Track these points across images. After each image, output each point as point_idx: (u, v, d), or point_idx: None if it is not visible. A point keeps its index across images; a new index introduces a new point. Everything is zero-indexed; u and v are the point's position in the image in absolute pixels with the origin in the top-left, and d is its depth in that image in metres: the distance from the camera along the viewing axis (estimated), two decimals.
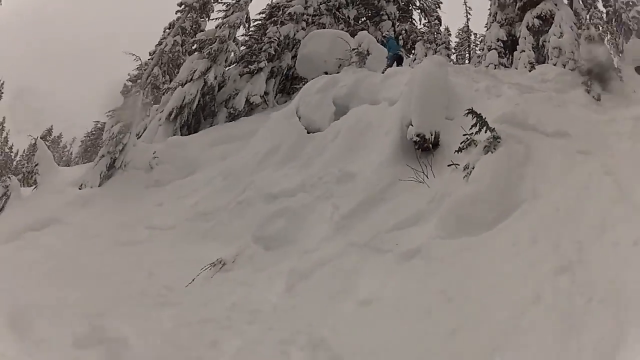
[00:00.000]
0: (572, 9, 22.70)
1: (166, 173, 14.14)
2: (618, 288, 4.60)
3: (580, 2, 23.67)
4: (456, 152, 8.34)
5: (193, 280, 8.05)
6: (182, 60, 25.10)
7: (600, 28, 22.92)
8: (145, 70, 24.59)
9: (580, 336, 4.28)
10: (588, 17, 23.57)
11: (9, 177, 14.16)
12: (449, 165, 8.34)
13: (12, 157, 44.37)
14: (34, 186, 14.69)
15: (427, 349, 4.99)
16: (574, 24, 21.18)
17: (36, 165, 14.85)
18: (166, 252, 9.74)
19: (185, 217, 11.11)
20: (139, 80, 26.09)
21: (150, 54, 26.70)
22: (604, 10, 24.31)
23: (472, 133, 8.09)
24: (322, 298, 6.51)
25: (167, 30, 25.81)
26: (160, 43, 25.74)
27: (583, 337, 4.26)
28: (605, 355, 3.99)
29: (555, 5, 22.62)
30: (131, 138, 14.69)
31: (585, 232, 5.68)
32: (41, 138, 40.81)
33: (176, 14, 25.21)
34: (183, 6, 24.71)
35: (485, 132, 7.89)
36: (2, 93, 40.51)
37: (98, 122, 39.39)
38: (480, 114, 7.99)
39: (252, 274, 7.94)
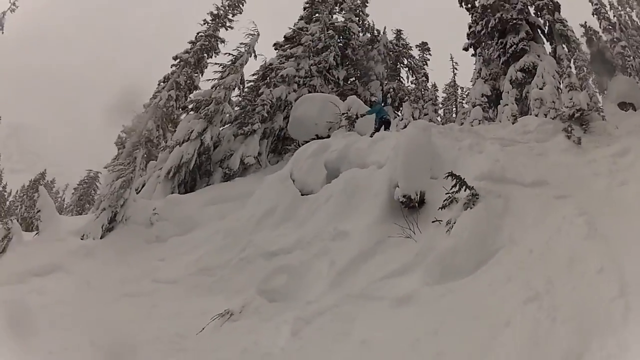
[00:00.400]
0: (555, 56, 24.37)
1: (166, 229, 15.24)
2: (580, 309, 5.89)
3: (564, 47, 25.15)
4: (440, 209, 9.69)
5: (203, 329, 9.02)
6: (175, 115, 26.36)
7: (585, 69, 24.31)
8: (139, 123, 25.78)
9: (541, 352, 5.58)
10: (572, 60, 24.81)
11: (11, 220, 14.68)
12: (433, 222, 9.66)
13: (6, 197, 45.18)
14: (36, 232, 15.35)
15: None
16: (556, 72, 22.67)
17: (38, 211, 15.48)
18: (173, 304, 10.60)
19: (188, 272, 12.10)
20: (133, 132, 27.30)
21: (144, 107, 27.87)
22: (588, 52, 25.91)
23: (453, 192, 9.50)
24: (326, 340, 7.56)
25: (162, 84, 27.03)
26: (154, 96, 26.86)
27: (548, 348, 5.56)
28: None
29: (538, 56, 24.41)
30: (131, 193, 15.84)
31: (554, 268, 7.00)
32: (34, 182, 42.18)
33: (171, 67, 26.59)
34: (178, 60, 26.15)
35: (465, 190, 9.31)
36: None
37: (91, 170, 40.75)
38: (459, 175, 9.44)
39: (258, 323, 8.89)
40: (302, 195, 13.05)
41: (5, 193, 45.54)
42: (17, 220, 14.87)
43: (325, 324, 8.00)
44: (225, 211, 15.44)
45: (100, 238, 15.09)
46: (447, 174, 9.59)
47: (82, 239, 14.92)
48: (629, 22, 26.38)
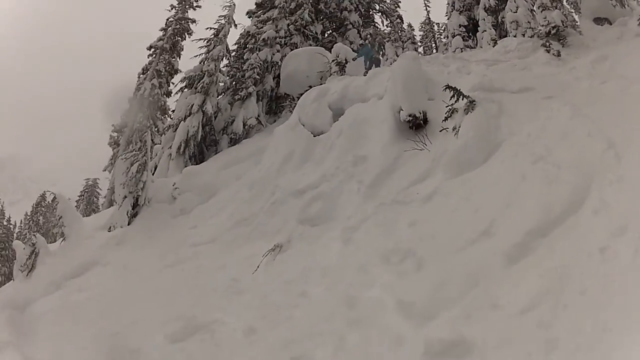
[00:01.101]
0: None
1: (189, 200, 15.96)
2: (579, 160, 7.41)
3: None
4: (443, 121, 10.95)
5: (258, 267, 9.79)
6: (162, 103, 27.39)
7: None
8: (129, 117, 26.75)
9: (557, 186, 7.16)
10: None
11: (34, 235, 15.12)
12: (440, 131, 10.99)
13: (12, 230, 45.40)
14: (62, 239, 15.64)
15: (463, 221, 7.85)
16: None
17: (60, 218, 15.77)
18: (218, 259, 11.17)
19: (224, 228, 12.78)
20: (124, 129, 28.27)
21: (129, 101, 28.77)
22: None
23: (453, 103, 10.71)
24: (376, 237, 8.79)
25: (142, 76, 27.98)
26: (138, 89, 27.83)
27: (559, 187, 7.11)
28: (577, 199, 6.71)
29: None
30: (148, 175, 16.58)
31: (550, 140, 8.51)
32: (36, 206, 42.86)
33: (148, 58, 27.60)
34: (153, 49, 27.16)
35: (462, 99, 10.54)
36: None
37: (88, 179, 41.53)
38: (455, 87, 10.67)
39: (309, 246, 9.91)
40: (314, 137, 14.00)
41: (10, 226, 45.72)
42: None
43: (370, 228, 9.19)
44: (240, 171, 16.27)
45: (128, 225, 15.64)
46: (445, 87, 10.76)
47: (109, 231, 15.47)
48: None
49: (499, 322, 5.55)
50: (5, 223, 45.83)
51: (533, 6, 20.94)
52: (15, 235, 44.20)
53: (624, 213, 5.68)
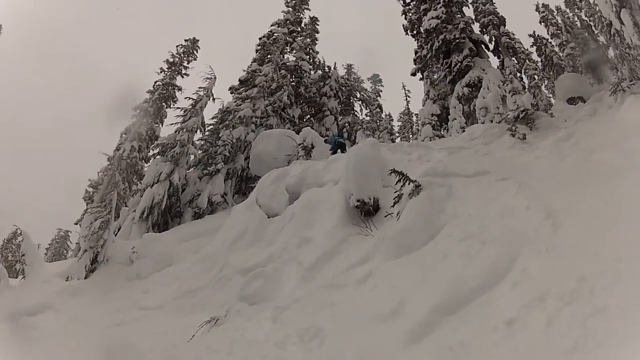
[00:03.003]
0: (503, 67, 25.14)
1: (145, 266, 16.39)
2: (510, 234, 7.76)
3: (514, 59, 26.30)
4: (391, 207, 11.22)
5: (193, 336, 10.21)
6: (139, 167, 27.91)
7: (536, 77, 25.48)
8: (106, 175, 27.21)
9: (475, 262, 7.48)
10: (523, 71, 26.07)
11: None
12: (385, 216, 11.35)
13: None
14: (22, 276, 16.37)
15: (378, 301, 8.14)
16: (501, 81, 23.16)
17: (23, 255, 16.60)
18: (161, 325, 11.61)
19: (172, 297, 13.25)
20: (99, 186, 28.69)
21: (108, 159, 29.27)
22: (539, 60, 27.64)
23: (400, 188, 10.95)
24: (303, 317, 9.04)
25: (124, 136, 28.56)
26: (118, 148, 28.35)
27: (478, 262, 7.45)
28: (497, 274, 6.94)
29: (483, 70, 25.66)
30: (110, 234, 17.10)
31: (488, 218, 8.84)
32: (7, 242, 42.27)
33: (132, 118, 28.17)
34: (138, 110, 27.76)
35: (409, 184, 10.80)
36: None
37: (61, 229, 41.48)
38: (401, 171, 10.91)
39: (243, 323, 10.17)
40: (268, 218, 14.53)
41: None
42: None
43: (299, 308, 9.49)
44: (198, 246, 16.71)
45: (85, 278, 16.20)
46: (390, 171, 10.95)
47: (66, 281, 15.99)
48: (577, 22, 27.63)
49: None
50: None
51: (506, 93, 21.59)
52: None
53: (546, 283, 5.78)
